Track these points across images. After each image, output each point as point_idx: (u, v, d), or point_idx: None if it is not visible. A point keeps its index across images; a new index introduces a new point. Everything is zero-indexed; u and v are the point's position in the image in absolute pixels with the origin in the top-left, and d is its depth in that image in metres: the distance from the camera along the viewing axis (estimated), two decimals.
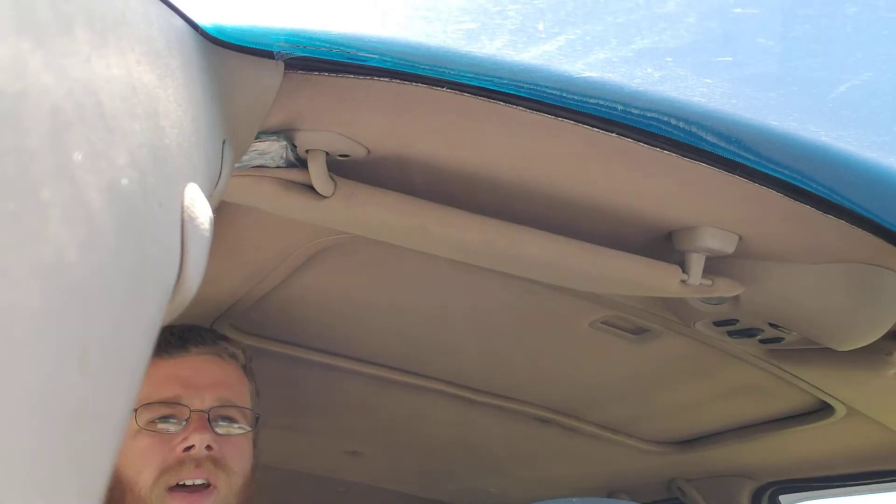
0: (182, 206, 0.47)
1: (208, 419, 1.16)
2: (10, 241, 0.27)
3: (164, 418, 1.15)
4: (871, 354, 1.16)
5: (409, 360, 1.57)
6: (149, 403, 1.14)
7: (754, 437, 1.71)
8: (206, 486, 1.12)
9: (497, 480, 2.21)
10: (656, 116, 0.72)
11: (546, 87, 0.69)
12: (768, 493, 1.99)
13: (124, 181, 0.37)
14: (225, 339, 1.28)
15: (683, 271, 0.99)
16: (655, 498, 2.13)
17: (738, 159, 0.76)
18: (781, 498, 2.00)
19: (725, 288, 1.03)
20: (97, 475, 0.34)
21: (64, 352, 0.30)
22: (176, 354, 1.20)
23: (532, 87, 0.69)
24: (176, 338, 1.23)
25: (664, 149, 0.76)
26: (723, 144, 0.74)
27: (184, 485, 1.11)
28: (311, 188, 0.87)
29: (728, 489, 2.00)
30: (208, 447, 1.13)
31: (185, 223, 0.47)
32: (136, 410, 1.13)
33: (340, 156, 0.85)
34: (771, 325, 1.13)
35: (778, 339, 1.19)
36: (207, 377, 1.21)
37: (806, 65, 0.78)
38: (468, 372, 1.62)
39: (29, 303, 0.28)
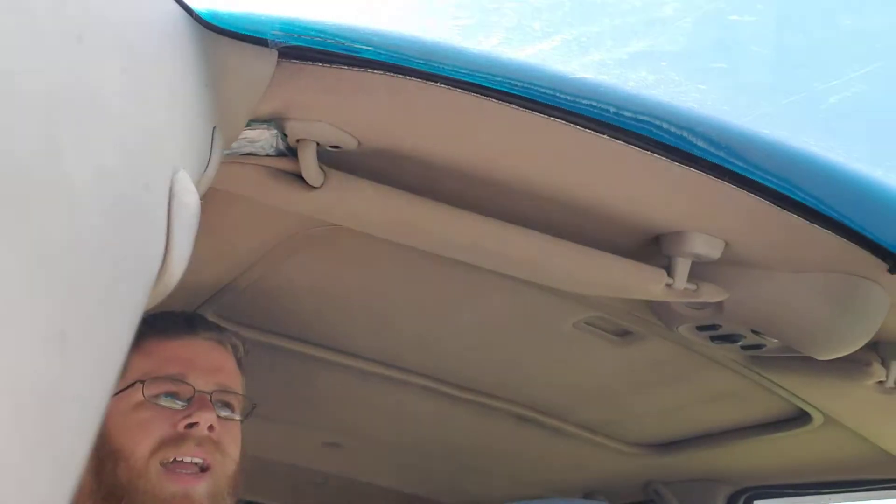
0: (169, 191, 0.47)
1: (210, 401, 1.16)
2: None
3: (169, 395, 1.15)
4: (851, 364, 1.17)
5: (390, 354, 1.57)
6: (154, 378, 1.14)
7: (732, 443, 1.72)
8: (203, 467, 1.13)
9: (475, 477, 2.22)
10: (648, 120, 0.72)
11: (539, 86, 0.69)
12: (743, 497, 2.00)
13: (111, 163, 0.36)
14: (227, 329, 1.28)
15: (669, 275, 0.99)
16: (632, 500, 2.14)
17: (727, 166, 0.76)
18: (756, 503, 2.01)
19: (709, 293, 1.04)
20: (74, 455, 0.33)
21: (42, 334, 0.29)
22: (184, 336, 1.21)
23: (525, 85, 0.69)
24: (184, 321, 1.24)
25: (655, 152, 0.76)
26: (713, 150, 0.74)
27: (181, 461, 1.11)
28: (300, 178, 0.87)
29: (704, 493, 2.01)
30: (210, 427, 1.13)
31: (171, 207, 0.47)
32: (143, 383, 1.13)
33: (331, 146, 0.85)
34: (753, 331, 1.14)
35: (759, 346, 1.20)
36: (211, 361, 1.22)
37: (799, 75, 0.78)
38: (449, 368, 1.62)
39: (8, 283, 0.27)
